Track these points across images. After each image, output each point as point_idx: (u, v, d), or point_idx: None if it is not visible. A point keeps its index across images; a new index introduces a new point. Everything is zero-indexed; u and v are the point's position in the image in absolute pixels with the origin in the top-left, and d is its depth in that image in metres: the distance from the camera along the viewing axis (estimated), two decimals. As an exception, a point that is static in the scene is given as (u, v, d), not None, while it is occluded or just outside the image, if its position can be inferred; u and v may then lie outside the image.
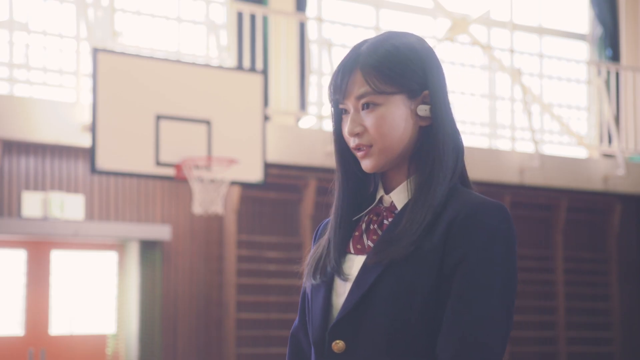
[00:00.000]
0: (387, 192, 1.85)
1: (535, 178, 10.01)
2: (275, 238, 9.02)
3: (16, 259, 8.22)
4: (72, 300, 8.41)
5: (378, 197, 1.86)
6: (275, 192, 8.98)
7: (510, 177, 9.83)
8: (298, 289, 8.08)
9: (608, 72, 10.91)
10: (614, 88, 10.92)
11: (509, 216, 1.74)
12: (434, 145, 1.79)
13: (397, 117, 1.78)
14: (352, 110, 1.81)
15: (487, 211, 1.73)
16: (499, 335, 1.69)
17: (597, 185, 10.38)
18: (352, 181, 1.88)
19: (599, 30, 11.56)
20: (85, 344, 8.40)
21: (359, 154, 1.81)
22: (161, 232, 8.37)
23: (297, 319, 1.95)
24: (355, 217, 1.86)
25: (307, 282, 1.87)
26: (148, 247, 8.47)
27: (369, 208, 1.86)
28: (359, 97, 1.79)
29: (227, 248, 8.70)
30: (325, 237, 1.89)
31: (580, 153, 11.03)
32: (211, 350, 8.65)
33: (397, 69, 1.78)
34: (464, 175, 1.86)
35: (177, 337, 8.53)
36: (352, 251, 1.83)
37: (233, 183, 7.79)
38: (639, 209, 10.97)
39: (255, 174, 7.78)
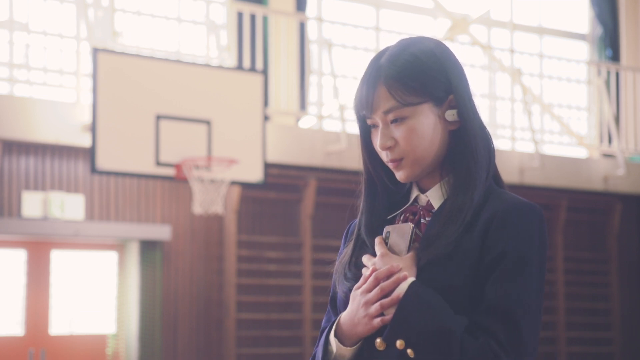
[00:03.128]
0: (422, 191, 1.87)
1: (535, 178, 10.01)
2: (275, 238, 9.01)
3: (16, 259, 8.22)
4: (72, 300, 8.41)
5: (413, 196, 1.87)
6: (275, 192, 8.98)
7: (510, 177, 9.83)
8: (298, 289, 8.09)
9: (608, 72, 10.91)
10: (614, 88, 10.92)
11: (542, 216, 1.78)
12: (466, 147, 1.81)
13: (427, 126, 1.80)
14: (380, 125, 1.81)
15: (522, 211, 1.77)
16: (536, 325, 1.74)
17: (597, 185, 10.38)
18: (381, 190, 1.89)
19: (599, 30, 11.56)
20: (85, 344, 8.40)
21: (391, 166, 1.83)
22: (161, 232, 8.37)
23: (325, 319, 1.94)
24: (390, 216, 1.88)
25: (341, 286, 1.88)
26: (148, 247, 8.46)
27: (405, 207, 1.88)
28: (387, 112, 1.80)
29: (227, 248, 8.70)
30: (353, 241, 1.89)
31: (580, 153, 11.03)
32: (211, 350, 8.65)
33: (420, 79, 1.79)
34: (497, 175, 1.88)
35: (177, 337, 8.52)
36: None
37: (233, 183, 7.79)
38: (639, 209, 10.97)
39: (255, 174, 7.78)
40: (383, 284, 1.74)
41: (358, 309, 1.76)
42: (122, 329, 8.51)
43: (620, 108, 10.81)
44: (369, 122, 1.83)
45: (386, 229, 1.82)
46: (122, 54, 7.50)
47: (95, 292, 8.55)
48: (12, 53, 7.86)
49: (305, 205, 9.06)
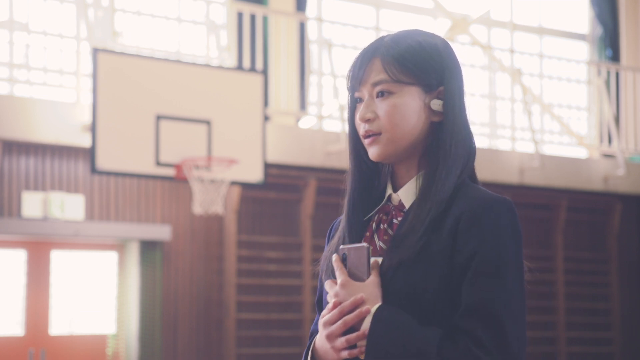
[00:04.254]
0: (396, 189, 1.85)
1: (535, 178, 10.01)
2: (275, 238, 9.02)
3: (16, 259, 8.22)
4: (72, 300, 8.41)
5: (387, 195, 1.86)
6: (275, 192, 8.98)
7: (510, 177, 9.83)
8: (298, 289, 8.08)
9: (608, 72, 10.91)
10: (614, 88, 10.92)
11: (514, 210, 1.76)
12: (443, 140, 1.80)
13: (410, 108, 1.79)
14: (366, 97, 1.82)
15: (494, 206, 1.74)
16: (519, 323, 1.75)
17: (597, 185, 10.38)
18: (363, 176, 1.87)
19: (599, 30, 11.56)
20: (85, 344, 8.40)
21: (367, 141, 1.82)
22: (161, 232, 8.37)
23: (314, 322, 1.94)
24: (366, 217, 1.86)
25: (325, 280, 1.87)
26: (148, 247, 8.47)
27: (378, 207, 1.86)
28: (375, 84, 1.80)
29: (227, 248, 8.70)
30: (337, 236, 1.88)
31: (580, 153, 11.03)
32: (211, 350, 8.65)
33: (416, 62, 1.80)
34: (473, 175, 1.86)
35: (177, 337, 8.53)
36: None
37: (233, 183, 7.79)
38: (639, 209, 10.97)
39: (255, 174, 7.78)
40: (346, 318, 1.72)
41: (325, 340, 1.76)
42: (122, 329, 8.51)
43: (620, 108, 10.81)
44: (356, 95, 1.83)
45: (341, 249, 1.78)
46: (122, 54, 7.50)
47: (95, 292, 8.55)
48: (12, 53, 7.86)
49: (305, 205, 9.06)
